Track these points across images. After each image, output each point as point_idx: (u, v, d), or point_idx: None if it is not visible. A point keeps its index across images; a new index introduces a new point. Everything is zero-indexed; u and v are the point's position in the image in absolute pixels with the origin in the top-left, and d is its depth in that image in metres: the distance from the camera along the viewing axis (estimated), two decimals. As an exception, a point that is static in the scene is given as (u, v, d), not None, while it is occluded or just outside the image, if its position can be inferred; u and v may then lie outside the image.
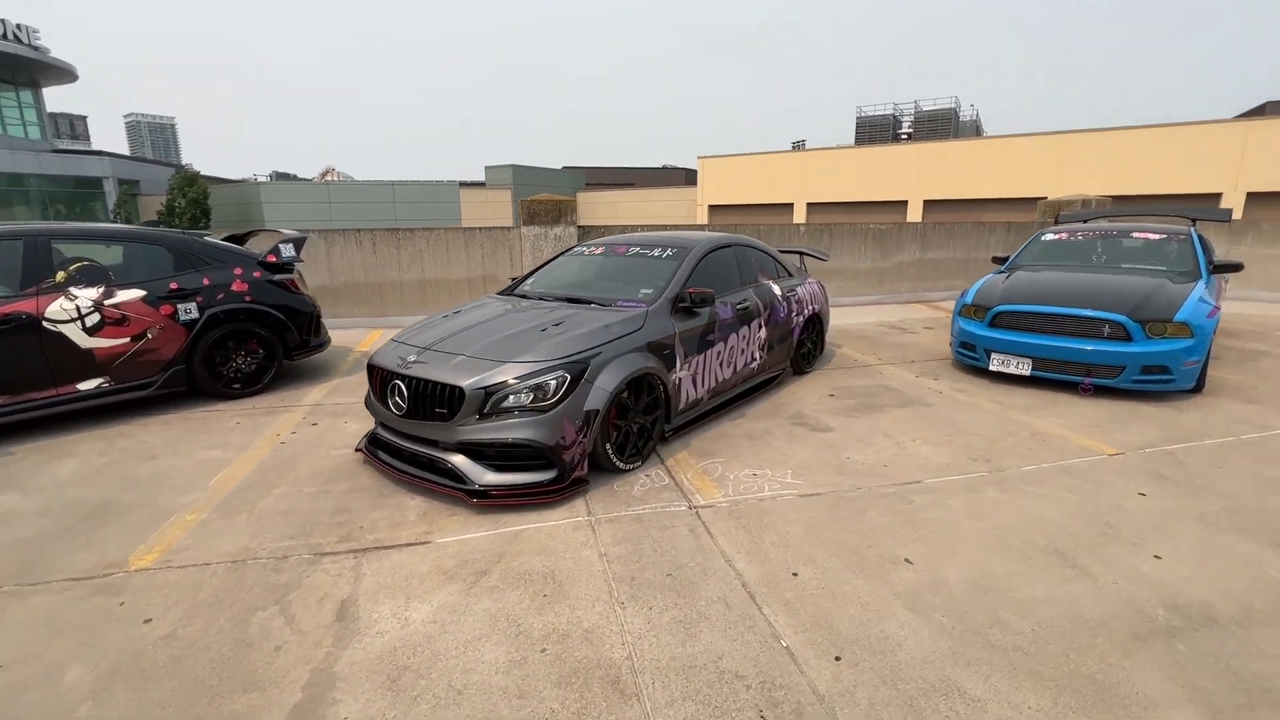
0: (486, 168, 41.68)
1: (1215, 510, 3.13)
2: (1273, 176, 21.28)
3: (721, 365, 4.47)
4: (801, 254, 6.57)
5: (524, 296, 4.58)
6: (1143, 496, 3.30)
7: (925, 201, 29.60)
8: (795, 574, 2.64)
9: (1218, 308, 5.02)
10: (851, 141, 53.25)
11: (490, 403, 3.19)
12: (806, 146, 40.52)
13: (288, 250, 5.40)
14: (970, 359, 5.58)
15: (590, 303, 4.15)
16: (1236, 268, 5.63)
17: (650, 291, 4.14)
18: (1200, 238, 6.08)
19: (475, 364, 3.33)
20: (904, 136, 54.31)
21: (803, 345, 5.74)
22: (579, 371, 3.31)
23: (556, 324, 3.71)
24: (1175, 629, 2.28)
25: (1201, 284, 5.26)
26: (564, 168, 52.58)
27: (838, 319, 8.61)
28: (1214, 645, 2.19)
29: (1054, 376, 5.08)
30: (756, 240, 5.42)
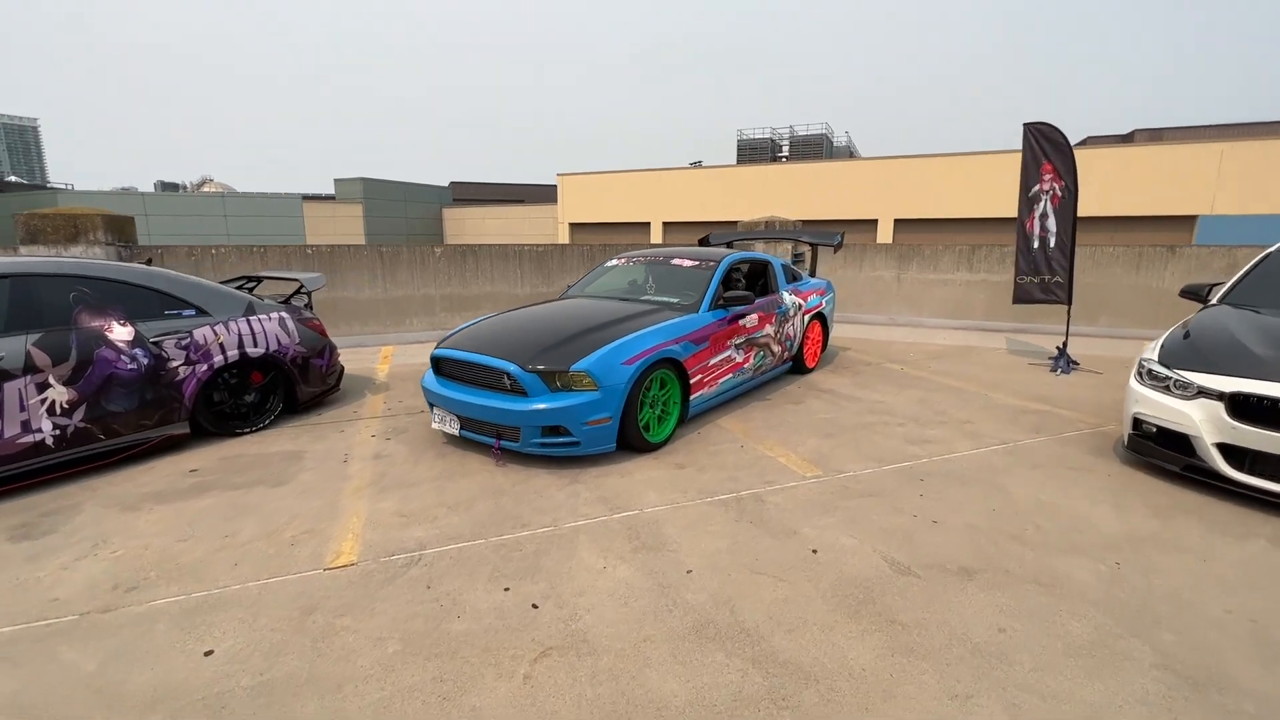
0: (336, 180, 39.06)
1: (241, 686, 2.08)
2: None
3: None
4: (302, 285, 5.39)
5: None
6: (207, 656, 2.23)
7: (765, 223, 30.07)
8: None
9: (664, 345, 4.15)
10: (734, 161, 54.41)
11: None
12: (703, 165, 40.35)
13: None
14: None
15: None
16: (744, 299, 4.92)
17: None
18: (730, 267, 5.41)
19: None
20: (783, 159, 56.17)
21: (236, 400, 4.58)
22: None
23: None
24: None
25: (675, 321, 4.48)
26: (451, 183, 50.30)
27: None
28: None
29: (476, 438, 4.10)
30: (117, 267, 4.17)
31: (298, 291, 5.37)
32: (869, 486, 3.63)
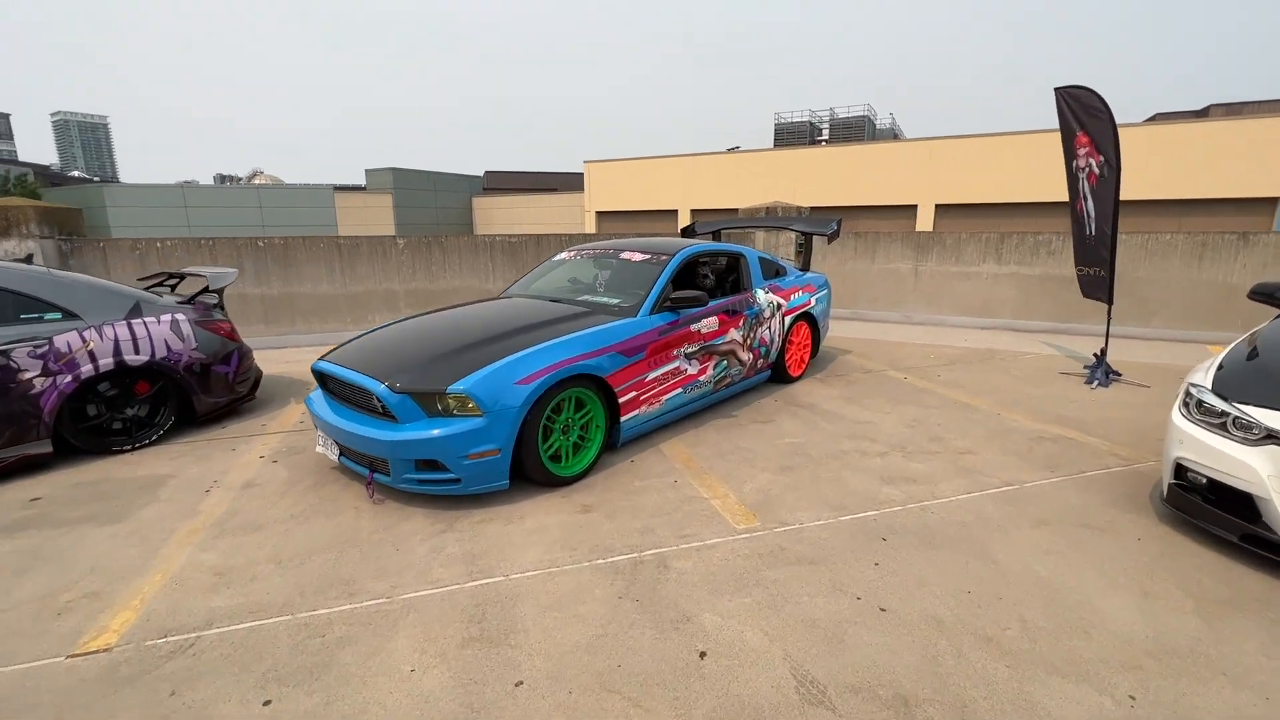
0: (367, 171, 39.32)
1: None
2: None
3: None
4: (208, 284, 4.85)
5: None
6: None
7: (767, 209, 28.68)
8: None
9: (576, 359, 3.42)
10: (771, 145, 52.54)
11: None
12: (741, 149, 38.85)
13: None
14: (326, 433, 3.94)
15: None
16: (696, 300, 4.12)
17: None
18: (688, 262, 4.65)
19: None
20: (822, 142, 53.94)
21: (115, 414, 4.09)
22: None
23: None
24: None
25: (600, 329, 3.73)
26: (485, 172, 50.18)
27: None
28: None
29: (354, 467, 3.45)
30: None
31: (204, 290, 4.84)
32: (813, 548, 2.83)
